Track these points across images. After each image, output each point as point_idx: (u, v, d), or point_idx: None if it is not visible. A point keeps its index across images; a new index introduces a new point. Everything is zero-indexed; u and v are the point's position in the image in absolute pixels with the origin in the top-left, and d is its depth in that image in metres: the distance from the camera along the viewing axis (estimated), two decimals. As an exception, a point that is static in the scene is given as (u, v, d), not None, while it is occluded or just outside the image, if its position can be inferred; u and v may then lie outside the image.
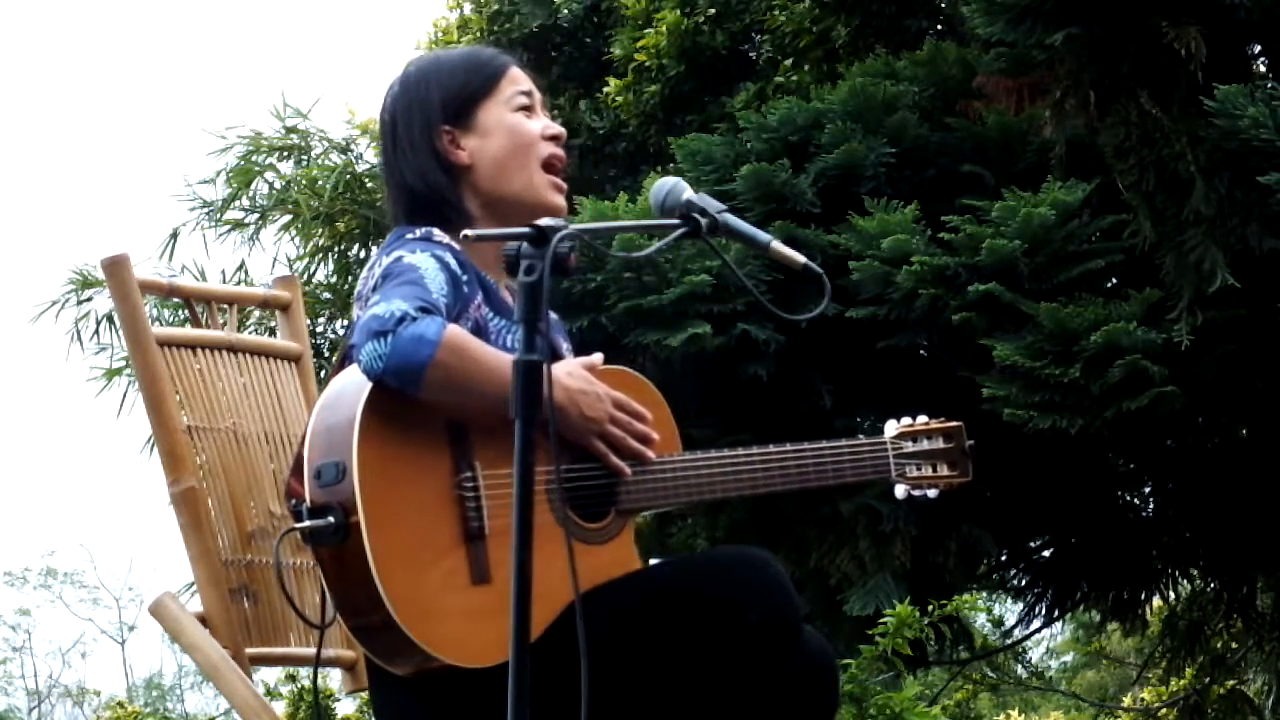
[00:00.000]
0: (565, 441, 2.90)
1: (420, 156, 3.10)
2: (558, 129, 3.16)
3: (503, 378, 2.68)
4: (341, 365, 2.93)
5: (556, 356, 3.14)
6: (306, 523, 2.81)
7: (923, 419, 3.30)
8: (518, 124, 3.12)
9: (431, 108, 3.11)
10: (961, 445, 3.31)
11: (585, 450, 2.95)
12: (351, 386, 2.83)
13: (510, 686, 2.48)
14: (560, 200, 3.13)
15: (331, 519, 2.79)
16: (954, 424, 3.32)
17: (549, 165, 3.13)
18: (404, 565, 2.77)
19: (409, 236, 3.01)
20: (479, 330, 2.97)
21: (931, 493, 3.28)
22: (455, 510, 2.82)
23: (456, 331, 2.80)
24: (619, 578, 2.93)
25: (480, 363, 2.79)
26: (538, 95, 3.18)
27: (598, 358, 2.99)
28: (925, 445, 3.29)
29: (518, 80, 3.15)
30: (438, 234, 3.01)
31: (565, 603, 2.79)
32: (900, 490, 3.27)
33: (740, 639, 2.83)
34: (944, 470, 3.29)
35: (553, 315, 3.25)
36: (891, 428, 3.29)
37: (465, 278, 2.97)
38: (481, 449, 2.84)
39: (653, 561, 3.06)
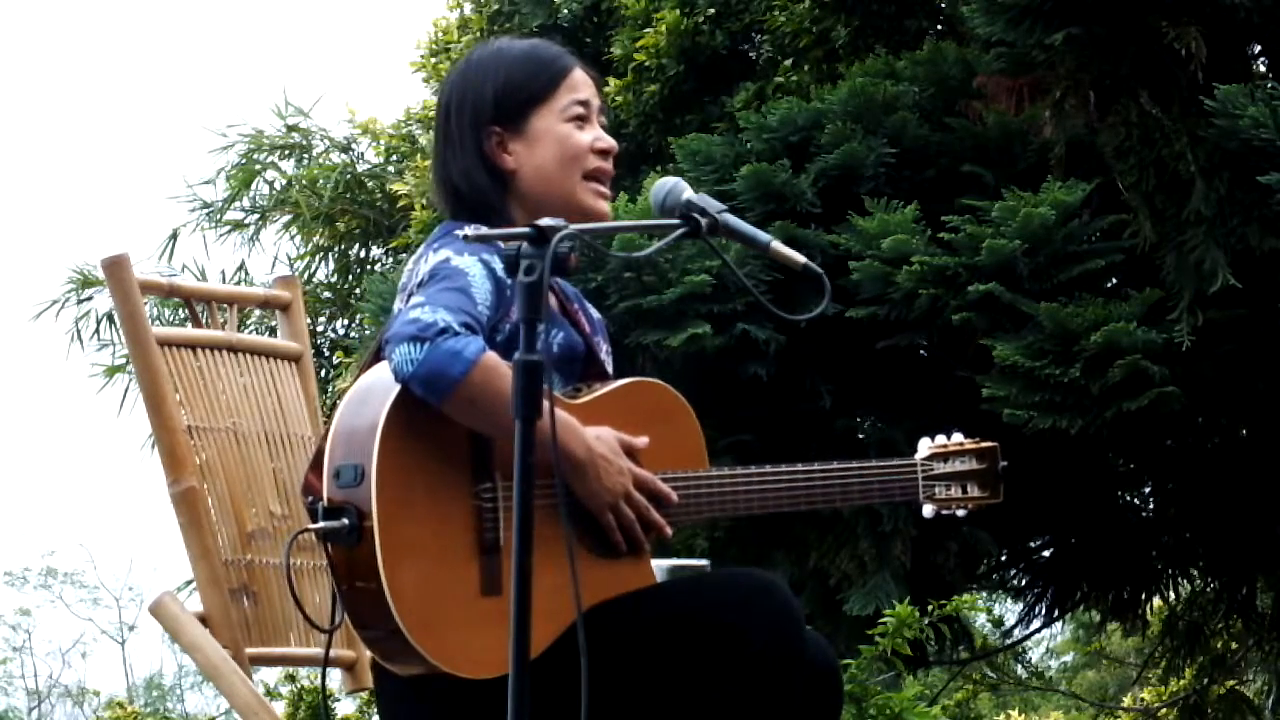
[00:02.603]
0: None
1: (468, 156, 3.07)
2: (609, 142, 3.12)
3: None
4: (375, 358, 2.92)
5: (595, 359, 3.13)
6: (321, 523, 2.80)
7: (957, 438, 3.26)
8: (567, 136, 3.08)
9: (484, 105, 3.07)
10: (994, 467, 3.27)
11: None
12: (379, 386, 2.81)
13: (510, 697, 2.47)
14: (604, 206, 3.10)
15: (346, 521, 2.78)
16: (988, 445, 3.28)
17: (593, 177, 3.10)
18: (414, 573, 2.77)
19: (458, 234, 2.97)
20: (517, 334, 2.95)
21: (960, 513, 3.26)
22: (472, 521, 2.81)
23: (492, 358, 2.78)
24: (626, 596, 2.92)
25: (507, 395, 2.73)
26: (595, 102, 3.12)
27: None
28: (957, 466, 3.25)
29: (576, 87, 3.10)
30: (462, 231, 2.98)
31: (573, 618, 2.77)
32: (928, 510, 3.24)
33: (747, 665, 2.83)
34: (974, 491, 3.26)
35: (596, 315, 3.23)
36: (924, 447, 3.26)
37: (509, 282, 2.92)
38: (503, 460, 2.81)
39: (654, 563, 3.05)
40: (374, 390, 2.82)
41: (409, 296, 2.95)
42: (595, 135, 3.11)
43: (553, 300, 3.05)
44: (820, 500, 3.13)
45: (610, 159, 3.12)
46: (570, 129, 3.09)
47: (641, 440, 2.95)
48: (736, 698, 2.83)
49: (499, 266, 2.93)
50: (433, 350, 2.74)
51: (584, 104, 3.11)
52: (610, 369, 3.16)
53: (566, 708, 2.66)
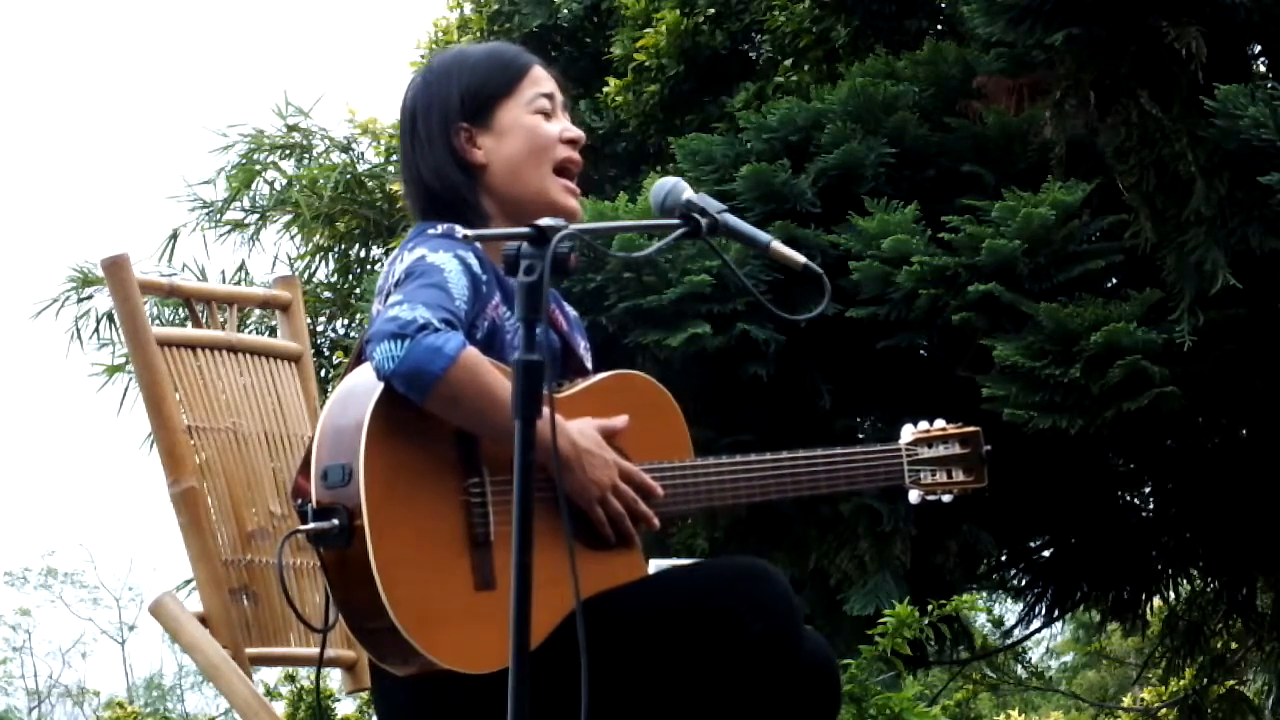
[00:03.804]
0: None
1: (437, 153, 3.08)
2: (576, 132, 3.14)
3: (506, 409, 2.62)
4: (358, 360, 2.92)
5: (574, 355, 3.14)
6: (311, 525, 2.80)
7: (940, 424, 3.28)
8: (535, 126, 3.10)
9: (451, 104, 3.09)
10: (978, 451, 3.30)
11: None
12: (363, 386, 2.82)
13: (510, 690, 2.48)
14: (573, 203, 3.11)
15: (336, 521, 2.78)
16: (971, 429, 3.30)
17: (563, 169, 3.11)
18: (408, 570, 2.77)
19: (431, 233, 2.99)
20: (495, 330, 2.97)
21: (945, 498, 3.27)
22: (462, 516, 2.82)
23: (473, 354, 2.79)
24: (622, 586, 2.92)
25: (489, 390, 2.77)
26: (559, 97, 3.15)
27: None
28: (941, 451, 3.27)
29: (539, 81, 3.13)
30: (460, 231, 2.99)
31: (568, 609, 2.78)
32: (914, 496, 3.26)
33: (742, 651, 2.82)
34: (959, 476, 3.28)
35: (572, 313, 3.24)
36: (907, 433, 3.27)
37: (485, 278, 2.95)
38: (490, 455, 2.83)
39: (653, 562, 3.05)
40: (358, 390, 2.83)
41: (386, 296, 2.95)
42: (563, 126, 3.13)
43: None
44: (807, 487, 3.14)
45: (578, 149, 3.14)
46: (538, 120, 3.11)
47: (619, 420, 2.96)
48: (733, 684, 2.83)
49: (474, 263, 2.94)
50: (413, 347, 2.75)
51: (548, 96, 3.13)
52: (590, 366, 3.17)
53: (563, 701, 2.67)
